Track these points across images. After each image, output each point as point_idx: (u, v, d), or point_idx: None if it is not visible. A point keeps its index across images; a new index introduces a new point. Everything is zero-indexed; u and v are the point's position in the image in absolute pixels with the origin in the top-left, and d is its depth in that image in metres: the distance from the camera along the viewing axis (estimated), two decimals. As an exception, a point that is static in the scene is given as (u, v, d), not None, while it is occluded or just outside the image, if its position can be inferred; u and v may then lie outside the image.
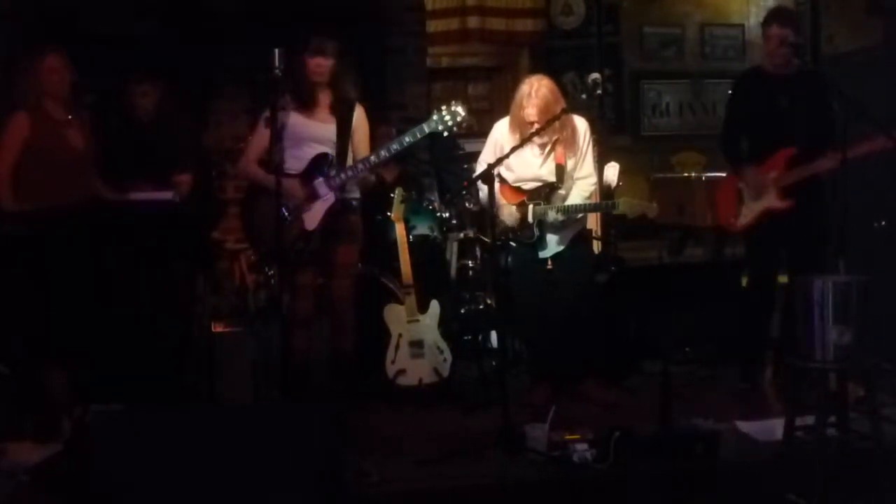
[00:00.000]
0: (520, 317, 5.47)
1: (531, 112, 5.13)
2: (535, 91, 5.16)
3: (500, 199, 5.36)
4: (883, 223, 6.09)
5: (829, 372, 3.98)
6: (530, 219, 5.26)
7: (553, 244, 5.30)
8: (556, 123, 5.07)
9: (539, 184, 5.28)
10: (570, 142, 5.24)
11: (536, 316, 5.37)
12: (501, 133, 5.34)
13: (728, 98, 5.94)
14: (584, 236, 5.48)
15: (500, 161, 5.00)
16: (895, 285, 5.29)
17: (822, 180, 5.29)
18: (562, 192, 5.26)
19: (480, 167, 5.20)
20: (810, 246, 5.23)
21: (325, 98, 5.06)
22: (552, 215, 5.21)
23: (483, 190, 5.12)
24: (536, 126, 5.08)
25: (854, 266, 4.21)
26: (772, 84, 5.38)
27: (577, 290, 5.31)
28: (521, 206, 5.28)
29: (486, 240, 5.73)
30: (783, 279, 5.45)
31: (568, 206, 5.22)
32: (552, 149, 5.26)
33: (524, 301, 5.40)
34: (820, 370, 3.97)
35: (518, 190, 5.32)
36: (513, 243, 5.40)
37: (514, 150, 4.94)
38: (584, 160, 5.30)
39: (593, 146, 5.39)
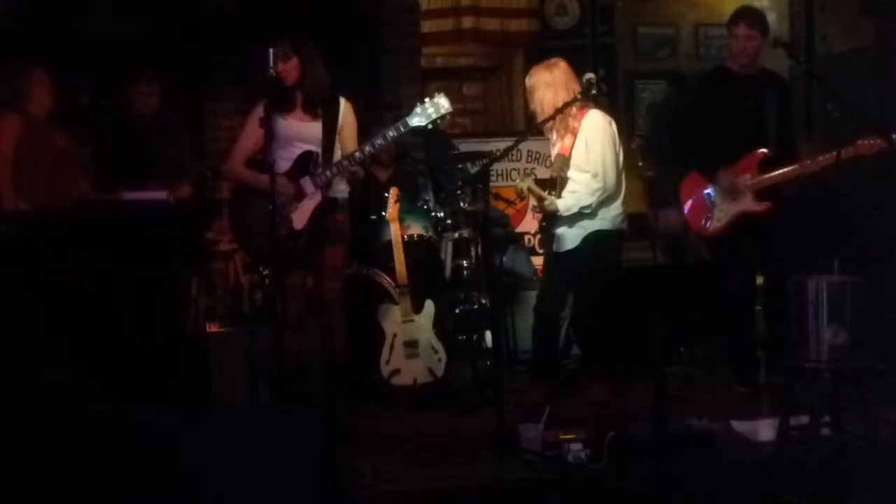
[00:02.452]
0: (536, 310, 5.50)
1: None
2: (527, 81, 5.36)
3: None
4: (876, 222, 6.09)
5: (824, 372, 3.98)
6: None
7: (563, 241, 5.32)
8: (565, 113, 5.16)
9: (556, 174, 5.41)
10: (575, 134, 5.28)
11: (545, 314, 5.40)
12: None
13: (687, 95, 5.90)
14: (598, 238, 5.31)
15: (501, 156, 5.12)
16: (889, 285, 5.32)
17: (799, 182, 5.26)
18: (567, 183, 5.32)
19: None
20: (786, 247, 5.21)
21: (299, 96, 5.03)
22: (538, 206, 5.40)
23: None
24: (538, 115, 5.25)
25: (848, 266, 4.21)
26: (738, 84, 5.37)
27: (584, 291, 5.40)
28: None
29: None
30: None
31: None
32: (559, 139, 5.34)
33: (539, 296, 5.50)
34: (814, 370, 3.98)
35: None
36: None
37: (517, 142, 5.03)
38: (588, 155, 5.25)
39: (610, 143, 5.27)
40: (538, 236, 6.85)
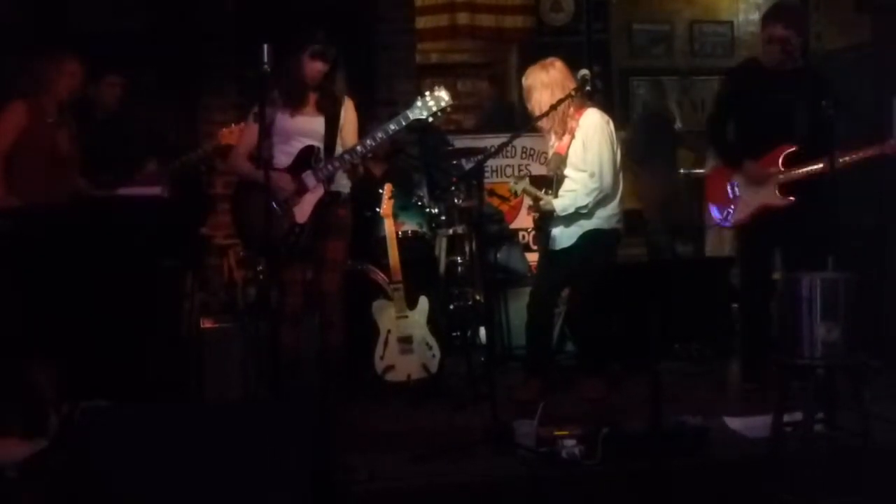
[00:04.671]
0: (529, 307, 5.50)
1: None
2: (523, 82, 5.35)
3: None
4: (873, 222, 6.09)
5: (817, 368, 3.99)
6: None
7: (559, 239, 5.32)
8: (559, 112, 5.15)
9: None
10: (573, 134, 5.27)
11: (539, 311, 5.41)
12: None
13: (721, 88, 5.88)
14: (594, 237, 5.30)
15: (495, 152, 5.20)
16: (883, 283, 5.32)
17: (823, 179, 5.16)
18: (564, 182, 5.32)
19: None
20: (808, 245, 5.14)
21: (313, 95, 5.04)
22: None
23: None
24: (536, 113, 5.25)
25: (843, 264, 4.21)
26: (769, 79, 5.31)
27: (579, 289, 5.41)
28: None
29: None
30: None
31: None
32: (557, 140, 5.34)
33: (533, 292, 5.49)
34: (808, 367, 3.98)
35: None
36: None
37: (512, 138, 5.06)
38: (586, 155, 5.25)
39: (608, 143, 5.26)
40: (532, 233, 6.85)
